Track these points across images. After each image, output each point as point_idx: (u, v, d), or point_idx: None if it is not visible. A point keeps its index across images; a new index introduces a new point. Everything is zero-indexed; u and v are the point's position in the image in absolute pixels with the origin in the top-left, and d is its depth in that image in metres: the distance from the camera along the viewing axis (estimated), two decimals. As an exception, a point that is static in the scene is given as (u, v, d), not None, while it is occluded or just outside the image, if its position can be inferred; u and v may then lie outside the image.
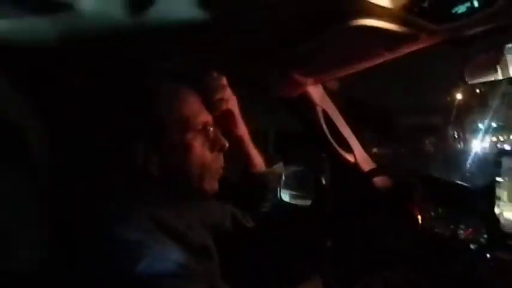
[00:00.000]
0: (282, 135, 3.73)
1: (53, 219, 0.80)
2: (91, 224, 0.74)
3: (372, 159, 1.64)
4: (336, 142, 1.59)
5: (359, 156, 1.62)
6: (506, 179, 1.15)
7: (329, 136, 1.54)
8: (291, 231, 1.56)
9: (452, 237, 1.36)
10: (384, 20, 0.95)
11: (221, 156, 0.89)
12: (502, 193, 1.08)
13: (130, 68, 0.87)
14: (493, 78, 1.14)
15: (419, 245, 1.30)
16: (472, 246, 1.26)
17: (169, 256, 0.70)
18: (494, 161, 1.20)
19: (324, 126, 1.52)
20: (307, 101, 1.46)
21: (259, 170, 1.11)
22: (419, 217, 1.36)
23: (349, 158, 1.61)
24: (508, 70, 1.10)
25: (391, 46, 1.08)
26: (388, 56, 1.16)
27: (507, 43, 1.07)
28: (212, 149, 0.86)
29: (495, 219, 1.18)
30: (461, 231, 1.37)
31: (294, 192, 1.86)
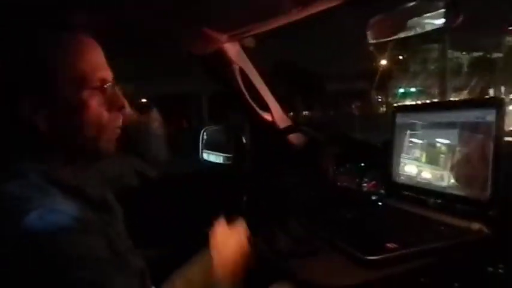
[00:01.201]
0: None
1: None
2: None
3: (303, 121, 1.69)
4: (254, 100, 1.61)
5: (276, 114, 1.65)
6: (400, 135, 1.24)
7: (246, 94, 1.55)
8: (206, 187, 1.59)
9: (357, 189, 1.48)
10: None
11: (119, 116, 0.84)
12: (421, 154, 1.15)
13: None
14: (394, 37, 1.20)
15: (328, 198, 1.38)
16: (373, 197, 1.38)
17: (60, 208, 0.67)
18: (389, 118, 1.30)
19: (241, 84, 1.52)
20: (222, 58, 1.44)
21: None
22: (328, 172, 1.44)
23: (266, 116, 1.64)
24: (409, 29, 1.16)
25: (299, 2, 1.09)
26: (300, 14, 1.17)
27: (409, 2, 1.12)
28: (110, 108, 0.80)
29: (390, 172, 1.29)
30: (365, 184, 1.49)
31: (214, 152, 1.87)
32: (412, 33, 1.10)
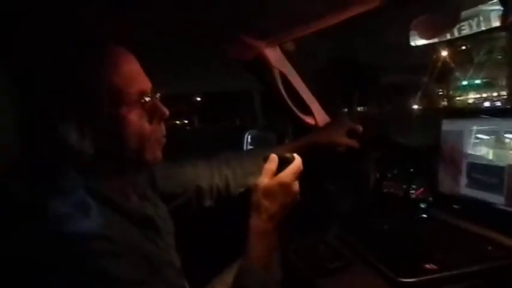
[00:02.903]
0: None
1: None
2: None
3: (357, 117, 1.64)
4: (296, 104, 1.58)
5: (319, 118, 1.62)
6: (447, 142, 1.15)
7: (286, 98, 1.53)
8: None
9: (405, 196, 1.41)
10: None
11: (162, 126, 0.84)
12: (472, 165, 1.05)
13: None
14: (442, 39, 1.13)
15: (370, 207, 1.33)
16: (422, 205, 1.30)
17: (99, 230, 0.70)
18: (434, 124, 1.21)
19: (281, 88, 1.50)
20: (263, 63, 1.44)
21: None
22: (370, 178, 1.39)
23: (309, 120, 1.61)
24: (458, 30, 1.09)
25: (334, 8, 1.05)
26: (333, 20, 1.14)
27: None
28: (151, 119, 0.80)
29: (437, 181, 1.21)
30: (413, 191, 1.41)
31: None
32: (458, 34, 1.03)
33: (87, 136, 0.74)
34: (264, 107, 3.86)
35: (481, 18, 1.06)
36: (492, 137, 0.97)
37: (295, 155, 0.89)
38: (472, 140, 1.05)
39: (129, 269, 0.69)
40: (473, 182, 1.03)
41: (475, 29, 1.09)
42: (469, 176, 1.04)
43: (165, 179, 1.06)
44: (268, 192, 0.84)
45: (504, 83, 11.48)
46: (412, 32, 1.11)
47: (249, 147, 1.92)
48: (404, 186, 1.41)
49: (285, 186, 0.84)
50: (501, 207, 0.90)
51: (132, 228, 0.79)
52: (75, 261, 0.65)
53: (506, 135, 0.93)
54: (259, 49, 1.37)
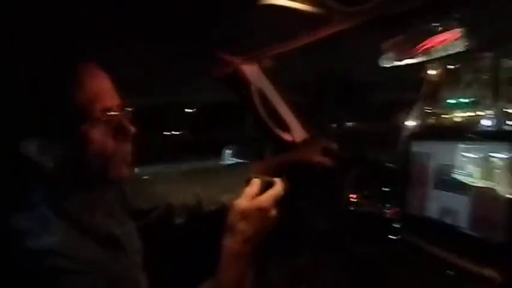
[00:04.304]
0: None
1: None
2: None
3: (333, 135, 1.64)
4: (273, 121, 1.58)
5: (296, 135, 1.62)
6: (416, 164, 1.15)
7: (263, 115, 1.53)
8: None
9: (379, 215, 1.40)
10: (296, 0, 0.94)
11: (128, 143, 0.82)
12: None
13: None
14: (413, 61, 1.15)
15: (346, 226, 1.32)
16: (395, 226, 1.29)
17: (59, 248, 0.69)
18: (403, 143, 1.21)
19: (258, 105, 1.51)
20: (240, 79, 1.44)
21: None
22: (342, 197, 1.38)
23: (286, 137, 1.61)
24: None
25: (309, 27, 1.06)
26: (311, 37, 1.15)
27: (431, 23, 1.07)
28: (116, 136, 0.79)
29: (408, 203, 1.20)
30: (387, 211, 1.41)
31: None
32: (429, 57, 1.04)
33: (50, 152, 0.73)
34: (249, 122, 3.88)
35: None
36: (459, 160, 0.97)
37: (277, 179, 0.88)
38: (439, 163, 1.05)
39: (83, 287, 0.69)
40: (439, 206, 1.02)
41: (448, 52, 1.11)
42: (435, 199, 1.04)
43: (134, 196, 1.05)
44: (245, 215, 0.83)
45: (490, 102, 11.69)
46: (384, 53, 1.11)
47: (229, 161, 1.91)
48: (379, 206, 1.41)
49: (263, 211, 0.83)
50: (465, 231, 0.90)
51: (94, 245, 0.77)
52: (28, 276, 0.65)
53: (472, 159, 0.93)
54: (236, 65, 1.38)
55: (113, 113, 0.78)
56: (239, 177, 1.20)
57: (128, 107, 0.83)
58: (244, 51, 1.32)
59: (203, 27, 1.09)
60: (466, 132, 1.02)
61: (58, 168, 0.75)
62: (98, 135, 0.75)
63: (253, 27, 1.12)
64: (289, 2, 0.93)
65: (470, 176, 0.92)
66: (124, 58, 1.18)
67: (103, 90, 0.78)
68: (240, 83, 1.46)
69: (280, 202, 0.85)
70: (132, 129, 0.82)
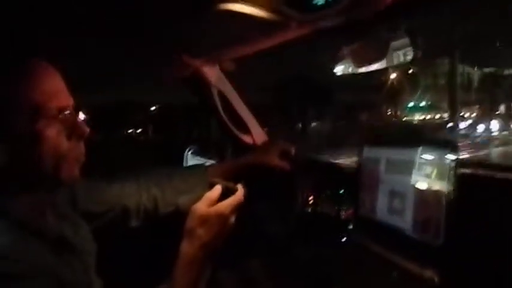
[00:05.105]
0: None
1: None
2: None
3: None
4: (234, 123, 1.59)
5: (256, 137, 1.63)
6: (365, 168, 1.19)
7: (223, 116, 1.53)
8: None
9: (336, 217, 1.44)
10: (252, 6, 0.95)
11: (81, 144, 0.82)
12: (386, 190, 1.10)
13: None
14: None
15: (300, 229, 1.34)
16: (349, 227, 1.33)
17: (5, 252, 0.67)
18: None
19: (219, 107, 1.51)
20: (200, 81, 1.44)
21: None
22: (297, 200, 1.41)
23: (247, 139, 1.62)
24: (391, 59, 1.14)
25: (265, 32, 1.07)
26: (268, 43, 1.16)
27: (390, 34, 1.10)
28: (70, 136, 0.78)
29: (358, 205, 1.24)
30: (343, 212, 1.45)
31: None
32: (381, 66, 1.08)
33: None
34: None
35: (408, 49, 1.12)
36: (402, 164, 1.02)
37: (239, 186, 0.90)
38: (385, 167, 1.10)
39: None
40: (385, 208, 1.07)
41: (402, 60, 1.15)
42: (381, 201, 1.09)
43: (87, 198, 1.03)
44: (204, 220, 0.84)
45: (446, 106, 12.30)
46: (341, 60, 1.15)
47: (190, 162, 1.90)
48: (336, 207, 1.45)
49: (222, 217, 0.84)
50: (408, 233, 0.94)
51: (43, 248, 0.75)
52: None
53: (414, 163, 0.98)
54: (196, 67, 1.37)
55: (68, 112, 0.77)
56: (196, 179, 1.21)
57: (82, 106, 0.83)
58: (204, 52, 1.32)
59: (162, 27, 1.08)
60: (416, 137, 1.07)
61: (6, 168, 0.72)
62: (53, 133, 0.74)
63: (213, 30, 1.12)
64: (246, 8, 0.94)
65: (415, 180, 0.97)
66: (78, 56, 1.15)
67: (58, 89, 0.78)
68: (201, 84, 1.45)
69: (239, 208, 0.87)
70: (87, 129, 0.81)
